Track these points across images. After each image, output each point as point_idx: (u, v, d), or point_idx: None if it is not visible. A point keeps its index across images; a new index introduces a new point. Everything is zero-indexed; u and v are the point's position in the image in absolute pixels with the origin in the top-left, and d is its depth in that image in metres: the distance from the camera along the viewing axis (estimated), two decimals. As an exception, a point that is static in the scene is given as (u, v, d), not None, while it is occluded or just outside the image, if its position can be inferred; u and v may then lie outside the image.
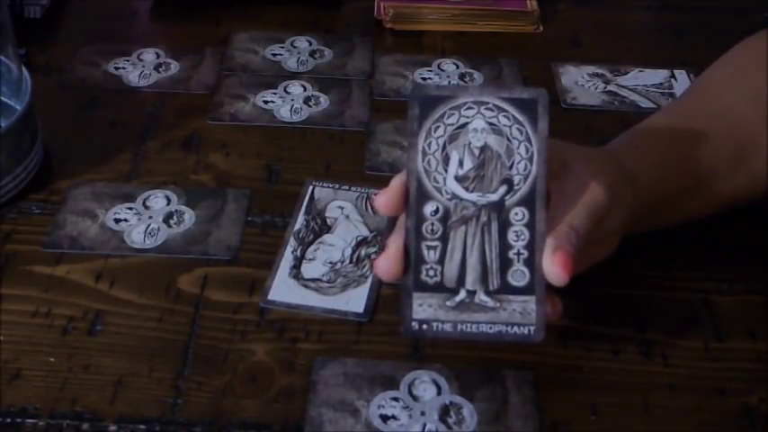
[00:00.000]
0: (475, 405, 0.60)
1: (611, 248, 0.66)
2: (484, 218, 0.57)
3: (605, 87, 0.91)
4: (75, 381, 0.61)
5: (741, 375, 0.63)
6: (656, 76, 0.93)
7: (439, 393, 0.61)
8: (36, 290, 0.67)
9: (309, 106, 0.87)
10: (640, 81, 0.92)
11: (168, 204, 0.75)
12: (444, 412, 0.59)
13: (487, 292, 0.57)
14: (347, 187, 0.77)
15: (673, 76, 0.93)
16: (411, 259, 0.57)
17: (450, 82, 0.91)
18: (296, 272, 0.69)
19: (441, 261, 0.57)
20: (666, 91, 0.91)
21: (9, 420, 0.58)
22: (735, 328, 0.67)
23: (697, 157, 0.69)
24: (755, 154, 0.70)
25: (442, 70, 0.93)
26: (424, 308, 0.57)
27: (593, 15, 1.05)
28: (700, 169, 0.69)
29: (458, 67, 0.94)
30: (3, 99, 0.79)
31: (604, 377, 0.63)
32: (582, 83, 0.92)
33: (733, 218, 0.72)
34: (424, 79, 0.92)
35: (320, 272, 0.69)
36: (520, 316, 0.57)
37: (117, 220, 0.73)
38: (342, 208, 0.75)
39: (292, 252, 0.71)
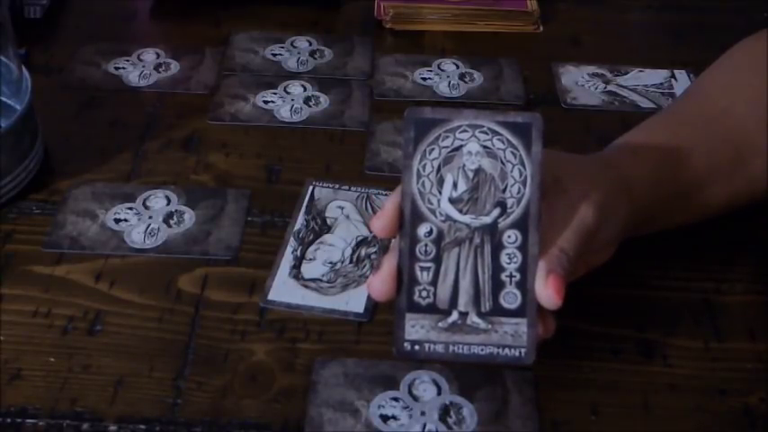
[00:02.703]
0: (475, 405, 0.60)
1: (607, 255, 0.65)
2: (477, 240, 0.57)
3: (605, 87, 0.91)
4: (75, 381, 0.61)
5: (741, 375, 0.63)
6: (656, 76, 0.93)
7: (439, 393, 0.61)
8: (36, 290, 0.67)
9: (309, 106, 0.87)
10: (640, 81, 0.92)
11: (168, 204, 0.75)
12: (444, 412, 0.59)
13: (480, 314, 0.57)
14: (347, 187, 0.77)
15: (673, 76, 0.93)
16: (404, 280, 0.57)
17: (450, 82, 0.91)
18: (296, 272, 0.69)
19: (434, 282, 0.57)
20: (666, 91, 0.91)
21: (9, 420, 0.58)
22: (735, 328, 0.67)
23: (695, 161, 0.68)
24: (754, 157, 0.70)
25: (442, 70, 0.93)
26: (416, 329, 0.57)
27: (593, 15, 1.05)
28: (698, 173, 0.69)
29: (458, 67, 0.94)
30: (3, 99, 0.79)
31: (604, 377, 0.63)
32: (582, 83, 0.92)
33: (733, 218, 0.72)
34: (424, 79, 0.92)
35: (320, 272, 0.69)
36: (511, 338, 0.57)
37: (117, 220, 0.73)
38: (342, 208, 0.75)
39: (292, 252, 0.71)
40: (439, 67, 0.94)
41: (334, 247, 0.72)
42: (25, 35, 0.89)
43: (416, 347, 0.57)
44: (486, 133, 0.58)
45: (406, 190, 0.58)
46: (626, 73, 0.93)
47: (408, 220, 0.57)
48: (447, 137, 0.58)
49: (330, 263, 0.70)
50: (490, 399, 0.60)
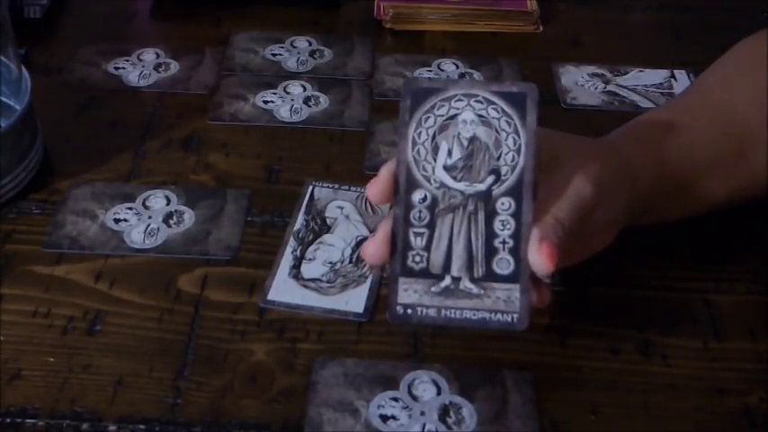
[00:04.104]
0: (475, 405, 0.60)
1: (608, 239, 0.65)
2: (471, 207, 0.58)
3: (605, 87, 0.91)
4: (76, 381, 0.61)
5: (741, 375, 0.63)
6: (656, 76, 0.93)
7: (439, 393, 0.61)
8: (36, 290, 0.67)
9: (309, 106, 0.87)
10: (640, 81, 0.92)
11: (168, 204, 0.75)
12: (444, 412, 0.59)
13: (472, 280, 0.57)
14: (347, 187, 0.77)
15: (673, 76, 0.93)
16: (398, 245, 0.58)
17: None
18: (296, 272, 0.69)
19: (427, 248, 0.58)
20: (666, 91, 0.91)
21: (9, 420, 0.58)
22: (735, 328, 0.67)
23: (697, 154, 0.69)
24: (755, 151, 0.70)
25: (442, 70, 0.93)
26: (409, 293, 0.57)
27: (593, 15, 1.05)
28: (699, 165, 0.69)
29: (458, 67, 0.94)
30: (3, 99, 0.79)
31: (604, 377, 0.63)
32: (582, 83, 0.92)
33: (733, 218, 0.72)
34: (423, 79, 0.92)
35: (320, 272, 0.69)
36: (504, 304, 0.57)
37: (117, 220, 0.73)
38: (341, 208, 0.75)
39: (292, 252, 0.71)
40: (439, 67, 0.94)
41: (334, 247, 0.72)
42: (25, 35, 0.89)
43: (409, 311, 0.57)
44: (481, 102, 0.58)
45: (402, 157, 0.58)
46: (626, 73, 0.93)
47: (403, 186, 0.58)
48: (443, 105, 0.59)
49: (330, 263, 0.70)
50: (490, 399, 0.60)
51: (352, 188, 0.77)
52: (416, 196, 0.58)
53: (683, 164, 0.68)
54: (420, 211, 0.58)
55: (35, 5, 0.97)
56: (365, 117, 0.86)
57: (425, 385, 0.61)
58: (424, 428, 0.58)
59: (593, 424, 0.60)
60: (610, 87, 0.91)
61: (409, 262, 0.58)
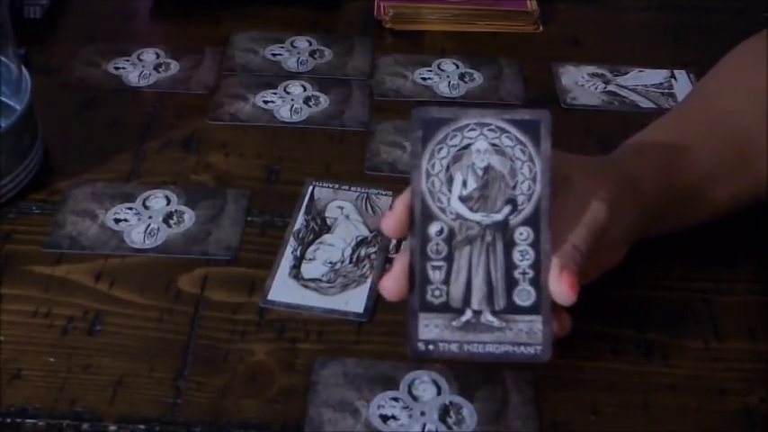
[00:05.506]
0: (475, 405, 0.60)
1: (619, 257, 0.65)
2: (489, 238, 0.57)
3: (605, 87, 0.91)
4: (76, 381, 0.61)
5: (741, 375, 0.63)
6: (656, 76, 0.93)
7: (439, 393, 0.61)
8: (36, 290, 0.67)
9: (309, 106, 0.87)
10: (640, 81, 0.92)
11: (168, 204, 0.75)
12: (444, 412, 0.59)
13: (493, 312, 0.57)
14: (347, 187, 0.77)
15: (673, 76, 0.93)
16: (416, 279, 0.57)
17: (450, 82, 0.91)
18: (296, 272, 0.69)
19: (446, 281, 0.57)
20: (666, 91, 0.91)
21: (9, 420, 0.58)
22: (735, 328, 0.67)
23: (700, 162, 0.68)
24: (758, 157, 0.70)
25: (442, 70, 0.93)
26: (430, 328, 0.57)
27: (593, 15, 1.05)
28: (703, 174, 0.69)
29: (458, 67, 0.94)
30: (3, 99, 0.79)
31: (604, 377, 0.63)
32: (582, 83, 0.92)
33: (733, 218, 0.72)
34: (423, 79, 0.92)
35: (320, 272, 0.69)
36: (526, 336, 0.57)
37: (117, 220, 0.73)
38: (342, 208, 0.75)
39: (292, 252, 0.71)
40: (439, 67, 0.94)
41: (334, 247, 0.72)
42: (25, 35, 0.89)
43: (430, 347, 0.57)
44: (495, 131, 0.58)
45: (416, 189, 0.57)
46: (626, 73, 0.93)
47: (419, 219, 0.57)
48: (455, 135, 0.58)
49: (330, 263, 0.70)
50: (490, 399, 0.60)
51: (352, 188, 0.77)
52: (433, 229, 0.57)
53: (686, 172, 0.68)
54: (437, 244, 0.57)
55: (35, 5, 0.97)
56: (365, 117, 0.86)
57: (425, 385, 0.61)
58: (424, 428, 0.58)
59: (593, 424, 0.60)
60: (610, 87, 0.91)
61: (428, 296, 0.57)
